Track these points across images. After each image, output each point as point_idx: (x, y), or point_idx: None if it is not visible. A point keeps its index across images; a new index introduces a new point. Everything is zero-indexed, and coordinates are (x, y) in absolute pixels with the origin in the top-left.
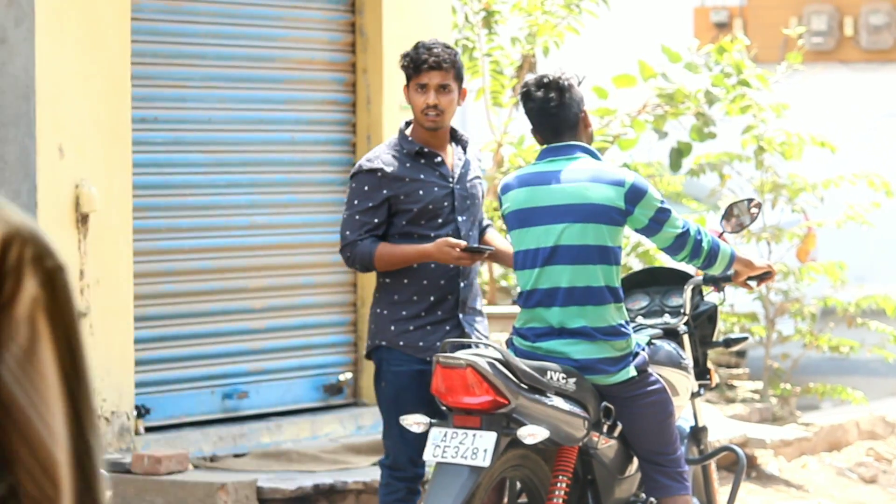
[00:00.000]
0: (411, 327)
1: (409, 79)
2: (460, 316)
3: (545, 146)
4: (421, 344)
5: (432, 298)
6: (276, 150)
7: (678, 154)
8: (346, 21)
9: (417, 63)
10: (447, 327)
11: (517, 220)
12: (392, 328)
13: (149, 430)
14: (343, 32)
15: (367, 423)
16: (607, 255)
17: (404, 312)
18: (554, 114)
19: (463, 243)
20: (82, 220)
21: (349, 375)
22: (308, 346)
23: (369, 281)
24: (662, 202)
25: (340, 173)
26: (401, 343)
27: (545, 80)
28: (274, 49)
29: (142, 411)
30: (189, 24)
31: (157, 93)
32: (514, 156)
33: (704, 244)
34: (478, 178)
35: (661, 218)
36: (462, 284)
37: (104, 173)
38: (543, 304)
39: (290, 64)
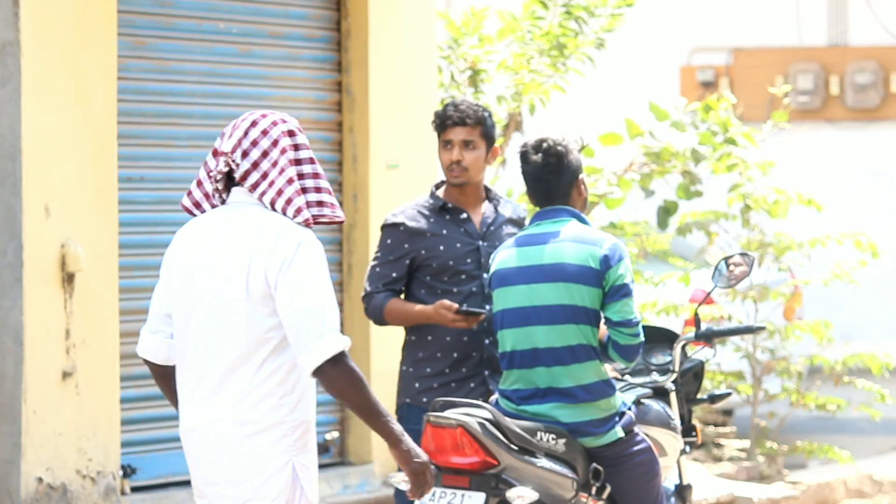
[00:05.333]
0: (435, 384)
1: (438, 137)
2: (486, 373)
3: (537, 210)
4: None
5: (456, 355)
6: None
7: (665, 212)
8: (332, 80)
9: (443, 120)
10: (472, 384)
11: (499, 280)
12: (416, 385)
13: (135, 489)
14: (330, 92)
15: (353, 483)
16: (583, 316)
17: (428, 370)
18: (547, 180)
19: (455, 305)
20: (68, 279)
21: (336, 434)
22: None
23: (358, 341)
24: (631, 281)
25: (326, 232)
26: (424, 400)
27: (544, 144)
28: (260, 108)
29: (128, 471)
30: (175, 83)
31: (143, 152)
32: None
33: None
34: (510, 236)
35: (625, 291)
36: (487, 341)
37: (90, 233)
38: (526, 364)
39: None
